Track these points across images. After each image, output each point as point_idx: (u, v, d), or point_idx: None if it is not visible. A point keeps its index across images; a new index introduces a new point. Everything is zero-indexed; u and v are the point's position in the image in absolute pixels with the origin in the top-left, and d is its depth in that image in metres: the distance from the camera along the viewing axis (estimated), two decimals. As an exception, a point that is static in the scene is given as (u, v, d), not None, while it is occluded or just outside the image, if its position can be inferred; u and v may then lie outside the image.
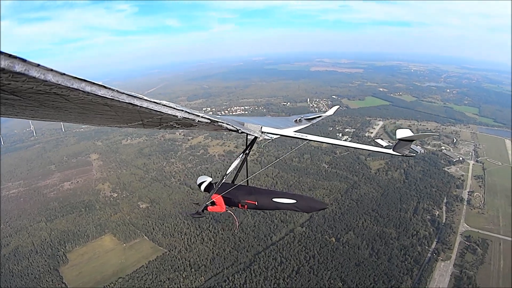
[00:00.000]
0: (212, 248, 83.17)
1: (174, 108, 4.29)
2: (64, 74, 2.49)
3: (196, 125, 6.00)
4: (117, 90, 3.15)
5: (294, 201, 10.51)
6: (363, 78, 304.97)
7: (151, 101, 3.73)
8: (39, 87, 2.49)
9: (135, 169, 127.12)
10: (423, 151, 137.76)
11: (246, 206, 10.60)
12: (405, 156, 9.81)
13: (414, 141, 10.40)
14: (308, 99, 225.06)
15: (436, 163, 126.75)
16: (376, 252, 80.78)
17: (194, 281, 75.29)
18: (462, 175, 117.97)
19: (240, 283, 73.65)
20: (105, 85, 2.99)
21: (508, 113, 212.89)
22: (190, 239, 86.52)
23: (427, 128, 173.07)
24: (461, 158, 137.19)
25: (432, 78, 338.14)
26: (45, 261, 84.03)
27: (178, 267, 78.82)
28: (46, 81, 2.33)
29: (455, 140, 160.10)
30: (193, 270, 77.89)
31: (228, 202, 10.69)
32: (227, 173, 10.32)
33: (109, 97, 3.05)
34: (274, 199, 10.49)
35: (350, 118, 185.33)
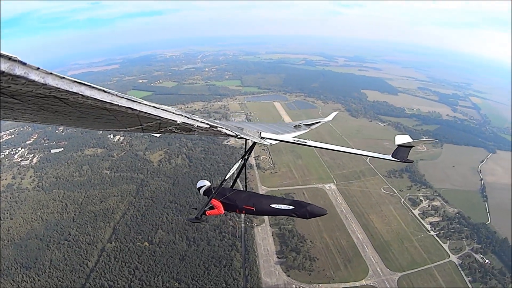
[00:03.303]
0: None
1: (173, 113, 4.30)
2: (63, 77, 2.53)
3: (195, 130, 5.92)
4: (116, 94, 3.15)
5: (292, 207, 10.16)
6: (120, 73, 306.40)
7: (150, 106, 3.75)
8: (39, 91, 2.51)
9: None
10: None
11: (244, 211, 10.40)
12: (404, 162, 9.76)
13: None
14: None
15: (214, 139, 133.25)
16: (192, 241, 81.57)
17: None
18: (243, 144, 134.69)
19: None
20: (104, 89, 3.01)
21: (270, 78, 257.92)
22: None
23: (195, 109, 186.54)
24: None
25: (189, 61, 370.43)
26: None
27: None
28: (46, 84, 2.37)
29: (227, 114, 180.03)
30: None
31: (226, 207, 10.48)
32: (226, 178, 10.43)
33: (108, 101, 3.05)
34: (272, 205, 10.18)
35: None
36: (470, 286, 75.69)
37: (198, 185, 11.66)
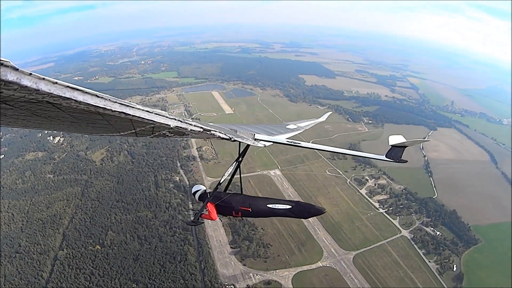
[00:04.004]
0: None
1: (166, 117, 4.37)
2: (56, 83, 2.56)
3: (188, 134, 6.00)
4: (109, 99, 3.20)
5: (290, 206, 10.22)
6: (56, 72, 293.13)
7: (143, 110, 3.80)
8: (31, 96, 2.53)
9: None
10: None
11: (240, 213, 10.46)
12: (398, 162, 9.65)
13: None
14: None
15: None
16: (144, 239, 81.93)
17: None
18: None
19: None
20: (97, 93, 3.05)
21: (207, 68, 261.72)
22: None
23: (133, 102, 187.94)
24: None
25: (125, 54, 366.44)
26: None
27: None
28: (38, 90, 2.39)
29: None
30: None
31: (223, 210, 10.59)
32: (221, 181, 10.50)
33: (101, 106, 3.09)
34: (268, 205, 10.25)
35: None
36: (424, 258, 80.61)
37: (194, 189, 11.61)
